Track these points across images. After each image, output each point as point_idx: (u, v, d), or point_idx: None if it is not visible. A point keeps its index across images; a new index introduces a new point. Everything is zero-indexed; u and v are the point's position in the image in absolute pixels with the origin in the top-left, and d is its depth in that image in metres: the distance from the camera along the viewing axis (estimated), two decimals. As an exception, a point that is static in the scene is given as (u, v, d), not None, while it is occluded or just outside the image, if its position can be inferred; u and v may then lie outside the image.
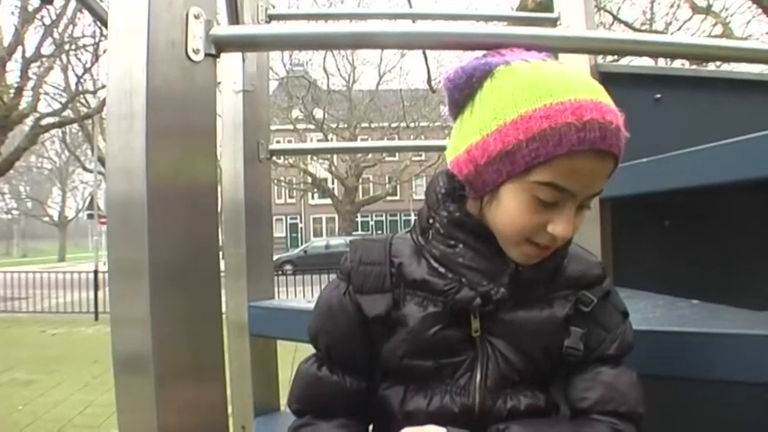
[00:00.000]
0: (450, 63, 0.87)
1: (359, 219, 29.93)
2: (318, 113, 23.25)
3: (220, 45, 0.75)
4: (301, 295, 9.72)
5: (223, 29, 0.75)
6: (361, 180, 26.93)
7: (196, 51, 0.72)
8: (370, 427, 0.87)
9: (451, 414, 0.76)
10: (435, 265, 0.80)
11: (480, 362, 0.78)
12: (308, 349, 0.90)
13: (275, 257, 5.31)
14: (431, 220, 0.82)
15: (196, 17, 0.72)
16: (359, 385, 0.84)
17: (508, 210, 0.75)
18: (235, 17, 1.47)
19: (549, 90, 0.72)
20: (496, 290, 0.76)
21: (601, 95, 0.73)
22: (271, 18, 1.74)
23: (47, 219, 42.13)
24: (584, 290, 0.81)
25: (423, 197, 0.87)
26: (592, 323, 0.80)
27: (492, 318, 0.78)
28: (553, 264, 0.80)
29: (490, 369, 0.77)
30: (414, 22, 2.08)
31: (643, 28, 13.95)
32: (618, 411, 0.76)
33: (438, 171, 0.86)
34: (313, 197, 34.75)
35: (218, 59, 0.76)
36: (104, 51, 13.63)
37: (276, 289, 1.79)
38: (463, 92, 0.78)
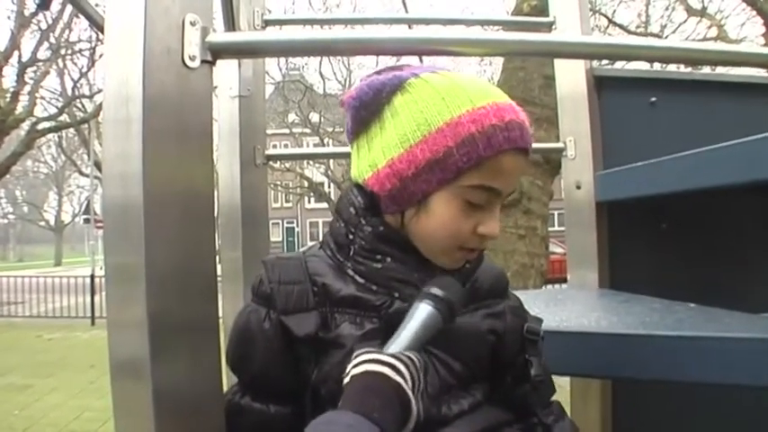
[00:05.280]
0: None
1: (356, 222, 29.82)
2: (314, 117, 23.19)
3: (216, 52, 0.75)
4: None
5: (219, 36, 0.75)
6: (357, 184, 26.80)
7: (192, 58, 0.72)
8: None
9: None
10: (362, 281, 0.78)
11: None
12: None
13: (272, 261, 5.26)
14: (351, 236, 0.80)
15: (192, 24, 0.72)
16: (284, 412, 0.79)
17: (441, 217, 0.75)
18: (231, 22, 1.47)
19: (469, 96, 0.74)
20: None
21: (507, 98, 0.77)
22: (267, 23, 1.74)
23: (43, 223, 41.97)
24: (498, 297, 0.87)
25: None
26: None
27: None
28: (472, 266, 0.83)
29: (430, 377, 0.75)
30: (410, 27, 2.08)
31: (638, 31, 13.99)
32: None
33: (347, 186, 0.84)
34: (309, 201, 34.69)
35: (213, 65, 0.76)
36: (100, 56, 13.61)
37: (273, 293, 1.78)
38: (370, 108, 0.79)
